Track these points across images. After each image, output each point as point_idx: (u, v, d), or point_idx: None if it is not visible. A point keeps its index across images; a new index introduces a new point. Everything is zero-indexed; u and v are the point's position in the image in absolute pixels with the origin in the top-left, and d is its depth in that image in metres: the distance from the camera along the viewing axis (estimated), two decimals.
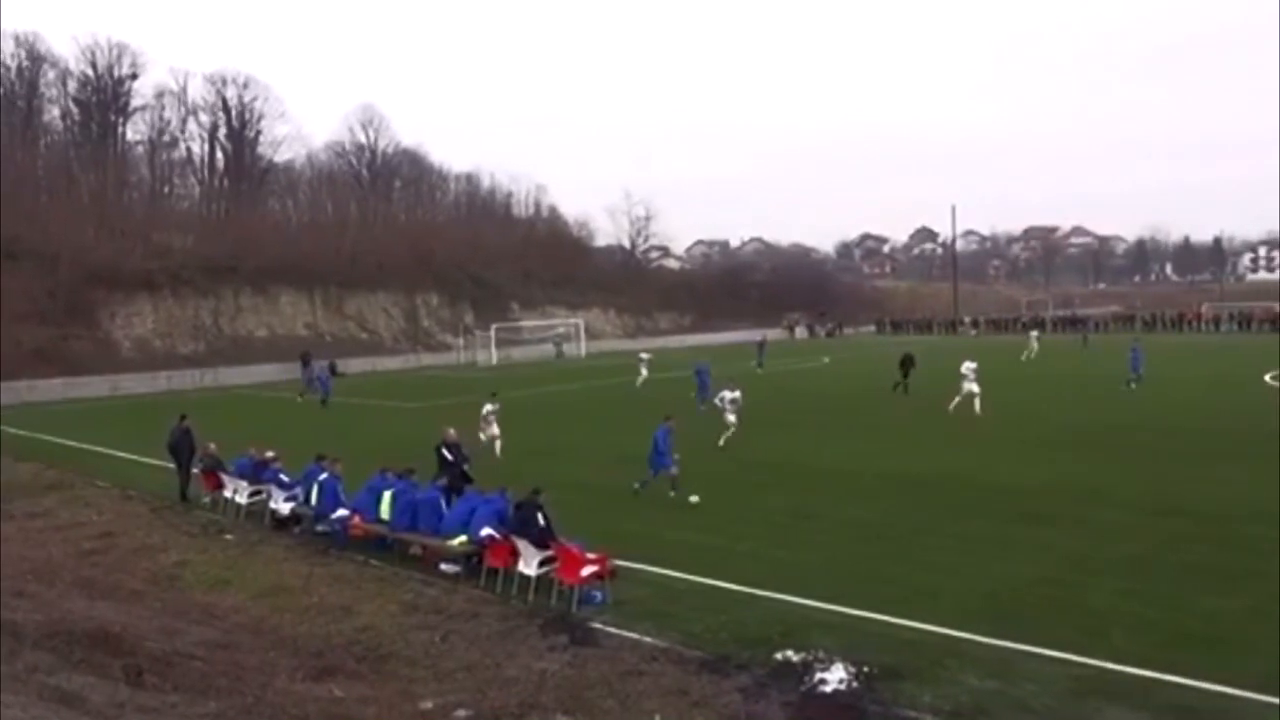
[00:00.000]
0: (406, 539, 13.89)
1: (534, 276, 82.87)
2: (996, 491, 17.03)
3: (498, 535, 12.43)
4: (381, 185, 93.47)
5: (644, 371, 40.25)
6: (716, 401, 23.35)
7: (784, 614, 10.88)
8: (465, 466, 16.72)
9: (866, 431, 25.76)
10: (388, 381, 43.69)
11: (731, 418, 23.07)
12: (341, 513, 14.89)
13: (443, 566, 13.15)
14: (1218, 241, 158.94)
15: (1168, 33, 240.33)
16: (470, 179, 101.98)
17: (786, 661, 9.38)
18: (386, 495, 14.23)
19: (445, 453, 16.82)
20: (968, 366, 28.23)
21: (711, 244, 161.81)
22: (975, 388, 27.70)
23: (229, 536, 15.98)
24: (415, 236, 79.92)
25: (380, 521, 14.23)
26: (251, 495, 17.22)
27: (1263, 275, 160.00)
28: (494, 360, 64.76)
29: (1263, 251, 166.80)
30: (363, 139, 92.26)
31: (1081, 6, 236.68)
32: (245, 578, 13.36)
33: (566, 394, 40.88)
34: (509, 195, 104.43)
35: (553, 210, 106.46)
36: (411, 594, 12.22)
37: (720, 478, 19.13)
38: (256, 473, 17.26)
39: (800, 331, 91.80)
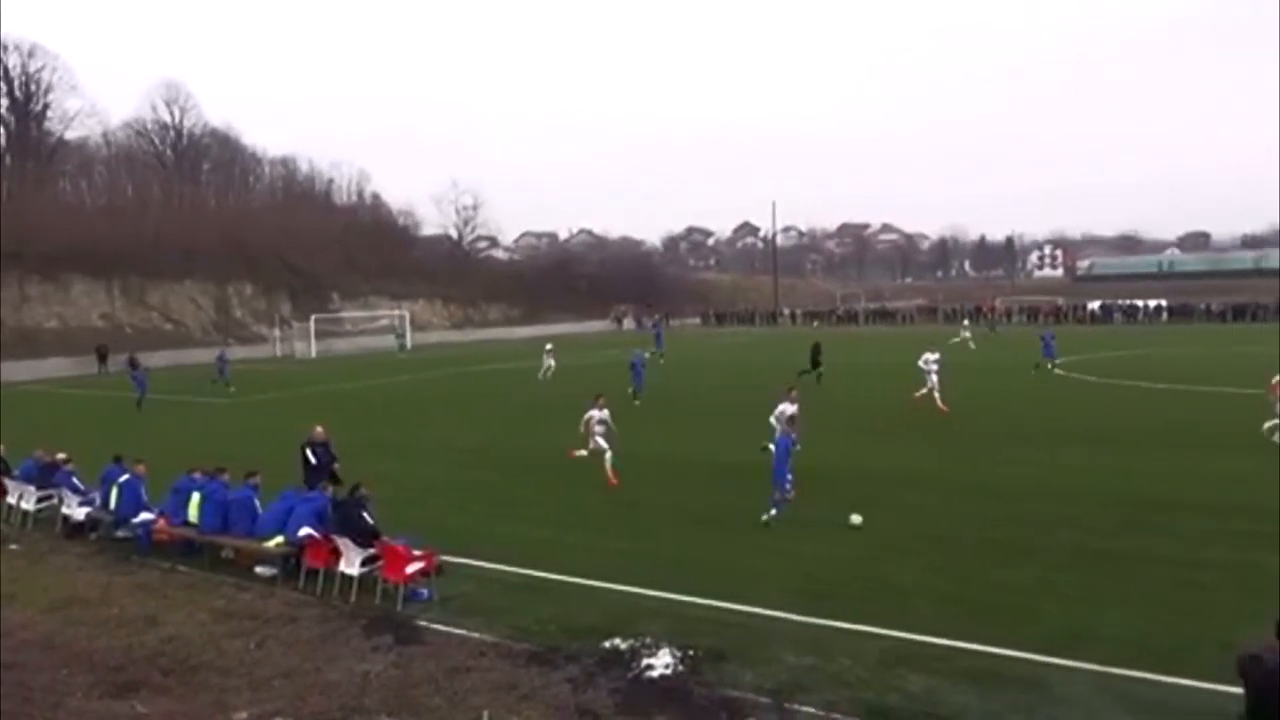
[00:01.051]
0: (218, 542, 13.18)
1: (356, 266, 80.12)
2: (818, 478, 17.75)
3: (317, 534, 11.97)
4: (188, 167, 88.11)
5: (550, 362, 39.65)
6: (773, 420, 17.89)
7: (613, 603, 11.01)
8: (335, 466, 15.54)
9: (692, 421, 26.33)
10: (196, 376, 41.26)
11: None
12: (145, 516, 13.96)
13: (258, 569, 12.55)
14: (1009, 241, 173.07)
15: (972, 49, 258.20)
16: (286, 163, 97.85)
17: (615, 650, 9.49)
18: (195, 496, 13.42)
19: (310, 454, 15.47)
20: (929, 358, 26.48)
21: (540, 235, 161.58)
22: (937, 380, 26.11)
23: (14, 546, 14.66)
24: (226, 222, 75.58)
25: (188, 524, 13.42)
26: (40, 501, 15.85)
27: (1048, 272, 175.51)
28: (313, 353, 62.40)
29: (1047, 250, 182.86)
30: (166, 117, 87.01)
31: (899, 18, 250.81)
32: (33, 591, 12.30)
33: (395, 386, 39.84)
34: (330, 182, 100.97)
35: (376, 198, 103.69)
36: (224, 600, 11.61)
37: (548, 470, 19.13)
38: (45, 476, 15.89)
39: (628, 323, 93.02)
